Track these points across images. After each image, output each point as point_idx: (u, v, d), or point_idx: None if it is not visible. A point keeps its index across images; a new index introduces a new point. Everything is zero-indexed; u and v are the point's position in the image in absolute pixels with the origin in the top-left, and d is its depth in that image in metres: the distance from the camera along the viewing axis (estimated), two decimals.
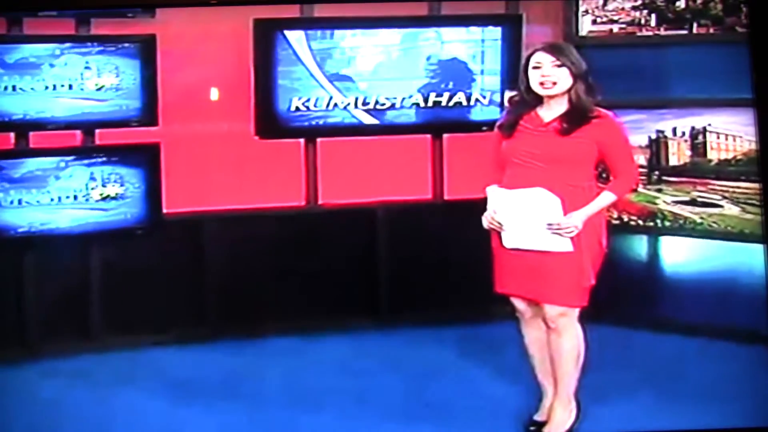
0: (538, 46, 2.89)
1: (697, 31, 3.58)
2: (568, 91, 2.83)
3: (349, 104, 3.70)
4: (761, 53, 3.29)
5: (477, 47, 3.71)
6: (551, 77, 2.79)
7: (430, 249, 3.69)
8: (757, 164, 3.40)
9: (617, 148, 2.88)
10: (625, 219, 3.70)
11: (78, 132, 3.57)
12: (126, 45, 3.54)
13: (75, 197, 3.53)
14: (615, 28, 3.70)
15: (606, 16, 3.68)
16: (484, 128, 3.54)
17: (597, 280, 2.90)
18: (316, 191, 3.80)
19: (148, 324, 3.55)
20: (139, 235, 3.61)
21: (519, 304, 2.97)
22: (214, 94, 3.67)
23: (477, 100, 3.73)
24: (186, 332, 3.58)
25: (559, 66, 2.80)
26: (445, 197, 3.83)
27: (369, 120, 3.71)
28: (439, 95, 3.72)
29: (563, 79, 2.81)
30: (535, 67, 2.83)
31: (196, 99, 3.63)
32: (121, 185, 3.60)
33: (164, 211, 3.58)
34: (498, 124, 2.99)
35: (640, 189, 3.62)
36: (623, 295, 3.49)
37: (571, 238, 2.83)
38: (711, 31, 3.53)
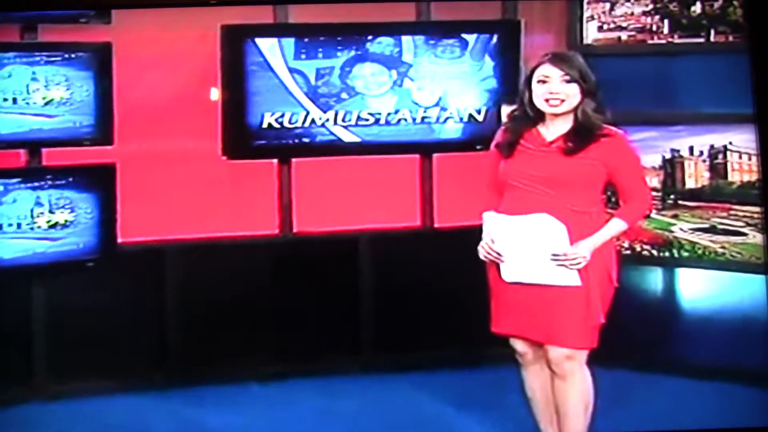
0: (545, 56, 2.82)
1: (715, 39, 3.55)
2: (575, 108, 2.78)
3: (327, 120, 3.65)
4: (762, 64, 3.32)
5: (471, 57, 3.68)
6: (560, 94, 2.75)
7: (419, 283, 3.63)
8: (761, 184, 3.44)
9: (628, 169, 2.81)
10: (638, 249, 3.64)
11: (23, 151, 3.50)
12: (78, 54, 3.48)
13: (19, 225, 3.46)
14: (623, 35, 3.66)
15: (613, 22, 3.65)
16: (479, 147, 3.46)
17: (607, 319, 2.83)
18: (291, 218, 3.74)
19: (99, 369, 3.46)
20: (90, 267, 3.52)
21: (519, 345, 2.90)
22: (177, 109, 3.61)
23: (471, 115, 3.69)
24: (142, 379, 3.49)
25: (568, 81, 2.75)
26: (436, 225, 3.78)
27: (350, 138, 3.67)
28: (429, 110, 3.68)
29: (572, 96, 2.75)
30: (541, 81, 2.77)
31: (156, 115, 3.58)
32: (72, 211, 3.52)
33: (119, 240, 3.52)
34: (495, 142, 2.91)
35: (654, 215, 3.56)
36: (636, 335, 3.44)
37: (578, 271, 2.76)
38: (730, 38, 3.51)
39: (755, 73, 3.35)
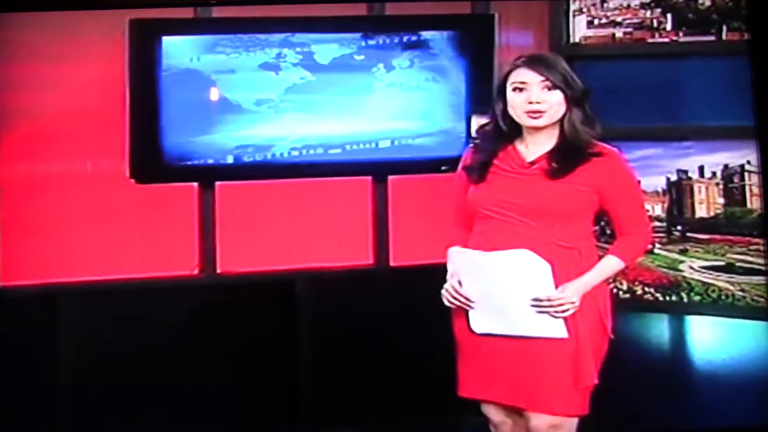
0: (520, 59, 2.72)
1: (728, 37, 3.54)
2: (560, 120, 2.68)
3: (258, 136, 3.61)
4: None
5: (433, 58, 3.67)
6: (541, 104, 2.65)
7: (370, 336, 3.59)
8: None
9: (624, 194, 2.74)
10: (638, 292, 3.59)
11: None
12: None
13: None
14: (618, 32, 3.64)
15: (606, 16, 3.64)
16: (444, 168, 3.49)
17: (600, 379, 2.71)
18: (214, 255, 3.67)
19: None
20: None
21: (494, 413, 2.80)
22: (73, 122, 3.57)
23: (433, 130, 3.69)
24: None
25: (550, 88, 2.66)
26: (391, 263, 3.74)
27: (287, 157, 3.65)
28: (383, 123, 3.67)
29: (556, 105, 2.67)
30: (517, 89, 2.69)
31: (46, 130, 3.54)
32: None
33: None
34: (463, 163, 2.83)
35: (657, 250, 3.55)
36: (637, 400, 3.39)
37: (566, 320, 2.65)
38: (746, 36, 3.51)
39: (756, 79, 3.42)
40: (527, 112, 2.67)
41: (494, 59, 3.60)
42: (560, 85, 2.66)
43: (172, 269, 3.65)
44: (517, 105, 2.68)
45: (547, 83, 2.66)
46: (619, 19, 3.64)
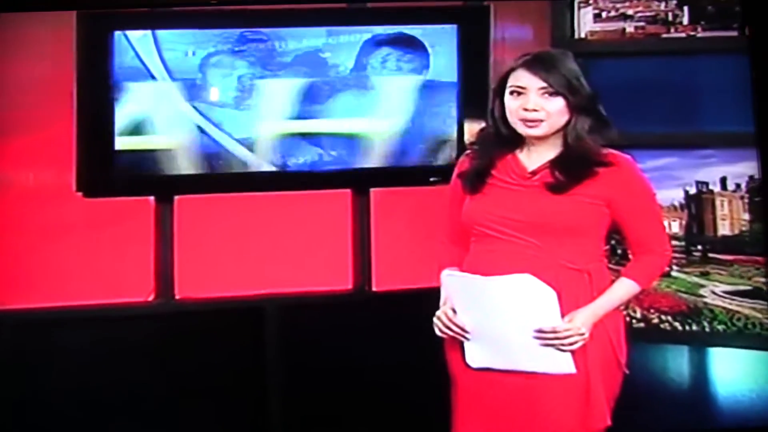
0: (522, 59, 2.68)
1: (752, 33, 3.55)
2: (563, 127, 2.66)
3: (225, 141, 3.60)
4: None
5: (421, 56, 3.64)
6: (538, 112, 2.62)
7: (349, 371, 3.57)
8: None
9: (639, 208, 2.70)
10: (654, 320, 3.54)
11: None
12: None
13: None
14: (629, 26, 3.62)
15: (615, 9, 3.62)
16: (434, 180, 3.51)
17: (614, 420, 2.66)
18: (172, 279, 3.62)
19: None
20: None
21: None
22: (13, 129, 3.54)
23: (422, 135, 3.66)
24: None
25: (551, 94, 2.62)
26: (373, 287, 3.70)
27: (255, 165, 3.62)
28: (363, 128, 3.66)
29: (556, 113, 2.64)
30: (514, 93, 2.66)
31: None
32: None
33: None
34: (457, 173, 2.81)
35: (675, 273, 3.52)
36: None
37: (573, 353, 2.61)
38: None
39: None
40: (523, 120, 2.66)
41: (489, 57, 3.59)
42: (562, 91, 2.64)
43: (123, 295, 3.61)
44: (512, 111, 2.67)
45: (548, 89, 2.64)
46: (630, 11, 3.63)
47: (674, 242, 3.45)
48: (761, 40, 3.48)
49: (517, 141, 2.72)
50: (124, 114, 3.56)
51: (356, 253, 3.74)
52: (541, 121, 2.65)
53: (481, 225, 2.71)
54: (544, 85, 2.64)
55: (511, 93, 2.67)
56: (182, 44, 3.58)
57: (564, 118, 2.66)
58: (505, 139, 2.73)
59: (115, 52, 3.53)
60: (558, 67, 2.67)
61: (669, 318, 3.56)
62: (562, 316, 2.62)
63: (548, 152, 2.70)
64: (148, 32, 3.55)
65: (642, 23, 3.63)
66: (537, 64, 2.67)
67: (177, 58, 3.57)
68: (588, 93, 2.67)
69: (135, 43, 3.56)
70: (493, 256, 2.69)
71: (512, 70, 2.69)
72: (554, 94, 2.64)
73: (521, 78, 2.66)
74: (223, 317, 3.65)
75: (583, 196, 2.66)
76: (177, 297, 3.66)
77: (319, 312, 3.69)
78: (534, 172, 2.70)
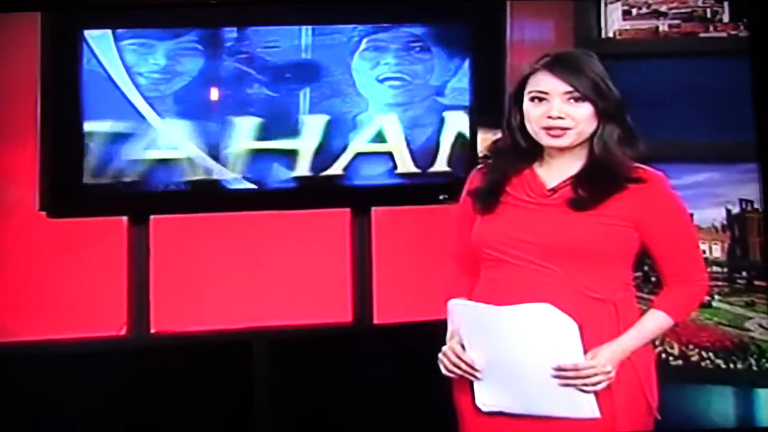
0: (540, 61, 2.67)
1: None
2: (589, 138, 2.64)
3: (204, 156, 3.58)
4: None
5: (428, 58, 3.61)
6: (564, 119, 2.60)
7: (347, 412, 3.50)
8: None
9: (672, 231, 2.67)
10: (693, 357, 3.48)
11: None
12: None
13: None
14: (663, 24, 3.58)
15: (647, 4, 3.57)
16: (443, 197, 3.47)
17: None
18: (147, 310, 3.56)
19: None
20: None
21: None
22: None
23: (429, 147, 3.62)
24: None
25: (577, 99, 2.60)
26: (375, 319, 3.63)
27: (239, 182, 3.59)
28: (362, 140, 3.62)
29: (583, 121, 2.62)
30: (535, 99, 2.64)
31: None
32: None
33: None
34: (468, 189, 2.77)
35: (717, 303, 3.45)
36: None
37: (597, 395, 2.57)
38: None
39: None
40: (546, 129, 2.62)
41: (505, 59, 3.57)
42: (590, 96, 2.61)
43: (91, 329, 3.56)
44: (534, 119, 2.63)
45: (574, 93, 2.60)
46: (663, 8, 3.59)
47: (715, 268, 3.45)
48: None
49: (535, 154, 2.68)
50: (93, 123, 3.55)
51: (355, 281, 3.68)
52: (568, 129, 2.60)
53: (493, 249, 2.65)
54: (570, 89, 2.59)
55: (532, 99, 2.63)
56: (157, 42, 3.58)
57: (592, 126, 2.62)
58: (522, 152, 2.68)
59: (83, 53, 3.54)
60: (583, 68, 2.63)
61: (710, 355, 3.49)
62: (585, 351, 2.56)
63: (570, 166, 2.65)
64: (123, 31, 3.55)
65: (677, 21, 3.58)
66: (560, 65, 2.63)
67: (152, 59, 3.56)
68: (617, 98, 2.63)
69: (107, 43, 3.55)
70: (506, 284, 2.63)
71: (531, 73, 2.65)
72: (581, 99, 2.60)
73: (543, 82, 2.62)
74: (204, 354, 3.59)
75: (609, 217, 2.60)
76: (152, 331, 3.60)
77: (314, 347, 3.64)
78: (554, 189, 2.64)
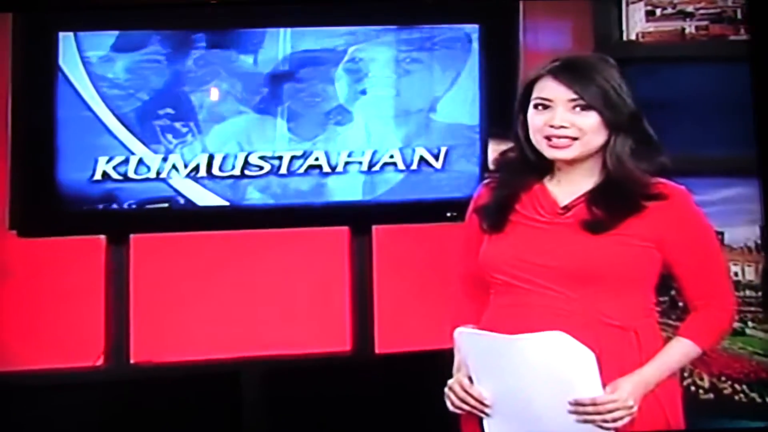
0: (550, 64, 2.61)
1: None
2: (601, 150, 2.57)
3: (188, 170, 3.56)
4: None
5: (433, 62, 3.60)
6: (568, 128, 2.53)
7: None
8: None
9: (697, 252, 2.59)
10: (725, 390, 3.46)
11: None
12: None
13: None
14: (689, 26, 3.57)
15: (673, 5, 3.58)
16: (451, 214, 3.45)
17: None
18: (127, 338, 3.54)
19: None
20: None
21: None
22: None
23: (431, 160, 3.61)
24: None
25: (583, 108, 2.53)
26: (376, 349, 3.63)
27: (217, 198, 3.56)
28: (363, 150, 3.61)
29: (590, 131, 2.54)
30: (539, 106, 2.58)
31: None
32: None
33: None
34: (474, 206, 2.72)
35: (750, 331, 3.43)
36: None
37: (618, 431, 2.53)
38: None
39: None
40: (548, 139, 2.56)
41: (519, 64, 3.58)
42: (596, 105, 2.54)
43: (66, 359, 3.53)
44: (536, 128, 2.58)
45: (579, 101, 2.54)
46: (689, 8, 3.59)
47: (748, 292, 3.43)
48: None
49: (546, 168, 2.63)
50: (68, 134, 3.53)
51: (355, 305, 3.68)
52: (572, 139, 2.54)
53: (502, 273, 2.58)
54: (574, 96, 2.54)
55: (536, 106, 2.58)
56: (139, 46, 3.55)
57: (600, 138, 2.55)
58: (531, 165, 2.63)
59: (58, 57, 3.52)
60: (591, 74, 2.57)
61: (744, 387, 3.47)
62: (604, 384, 2.48)
63: (583, 182, 2.59)
64: (102, 33, 3.52)
65: (704, 22, 3.59)
66: (567, 71, 2.57)
67: (131, 64, 3.54)
68: (630, 108, 2.57)
69: (84, 46, 3.52)
70: (518, 312, 2.56)
71: (537, 78, 2.60)
72: (586, 108, 2.54)
73: (547, 88, 2.57)
74: (188, 387, 3.56)
75: (628, 237, 2.53)
76: (132, 361, 3.58)
77: (308, 380, 3.61)
78: (567, 207, 2.58)
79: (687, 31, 3.59)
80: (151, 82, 3.58)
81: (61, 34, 3.53)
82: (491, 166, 3.35)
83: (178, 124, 3.59)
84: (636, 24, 3.61)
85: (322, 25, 3.61)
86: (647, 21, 3.61)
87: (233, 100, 3.59)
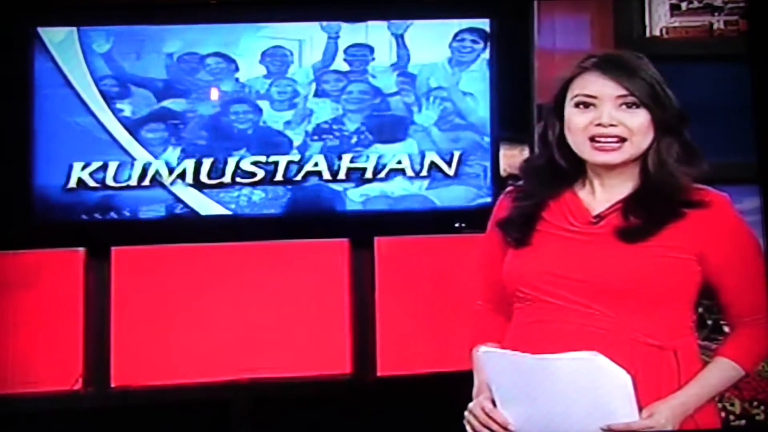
0: (590, 59, 2.56)
1: None
2: (644, 154, 2.52)
3: (173, 178, 3.54)
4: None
5: (441, 57, 3.55)
6: (617, 127, 2.48)
7: None
8: None
9: (740, 264, 2.53)
10: (758, 415, 3.45)
11: None
12: None
13: None
14: (717, 21, 3.57)
15: None
16: (461, 226, 3.47)
17: None
18: (107, 361, 3.50)
19: None
20: None
21: None
22: None
23: (440, 165, 3.56)
24: None
25: (630, 106, 2.49)
26: (377, 371, 3.58)
27: (215, 207, 3.53)
28: (364, 157, 3.58)
29: (640, 131, 2.49)
30: (581, 104, 2.51)
31: None
32: None
33: None
34: (495, 219, 2.67)
35: None
36: None
37: None
38: None
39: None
40: (593, 140, 2.48)
41: (532, 62, 3.54)
42: (647, 101, 2.48)
43: (42, 383, 3.47)
44: (578, 129, 2.49)
45: (628, 98, 2.48)
46: (718, 2, 3.59)
47: None
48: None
49: (577, 174, 2.56)
50: (45, 138, 3.51)
51: (355, 325, 3.64)
52: (621, 140, 2.46)
53: (530, 287, 2.51)
54: (624, 92, 2.46)
55: (577, 105, 2.49)
56: (126, 43, 3.52)
57: (648, 139, 2.48)
58: (560, 172, 2.55)
59: (36, 54, 3.51)
60: (639, 70, 2.50)
61: None
62: (641, 408, 2.41)
63: (619, 188, 2.52)
64: (85, 29, 3.49)
65: (734, 17, 3.58)
66: (612, 65, 2.50)
67: (117, 62, 3.50)
68: (677, 108, 2.50)
69: (65, 43, 3.51)
70: (546, 329, 2.49)
71: (577, 74, 2.52)
72: (635, 105, 2.46)
73: (591, 84, 2.49)
74: (173, 414, 3.51)
75: (666, 248, 2.45)
76: (113, 385, 3.53)
77: (304, 405, 3.56)
78: (600, 216, 2.50)
79: (715, 26, 3.60)
80: (136, 86, 3.55)
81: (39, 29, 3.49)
82: (503, 173, 3.35)
83: (163, 131, 3.55)
84: (660, 19, 3.62)
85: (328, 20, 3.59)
86: (672, 16, 3.61)
87: (221, 103, 3.60)
